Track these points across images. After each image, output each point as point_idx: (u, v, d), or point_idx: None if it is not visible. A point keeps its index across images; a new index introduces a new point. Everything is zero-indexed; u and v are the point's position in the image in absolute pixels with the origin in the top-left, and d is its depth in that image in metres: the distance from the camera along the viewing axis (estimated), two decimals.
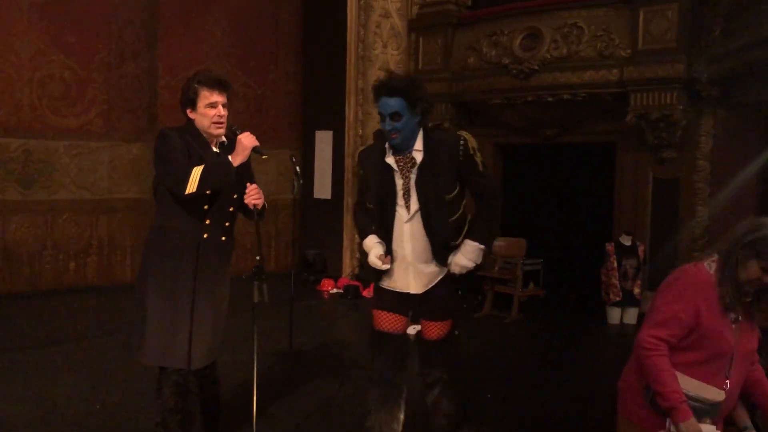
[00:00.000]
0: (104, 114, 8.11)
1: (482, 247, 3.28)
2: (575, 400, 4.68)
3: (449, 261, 3.27)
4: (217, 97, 3.28)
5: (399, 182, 3.25)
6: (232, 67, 9.03)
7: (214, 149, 3.32)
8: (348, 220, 8.88)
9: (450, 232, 3.26)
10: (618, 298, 6.81)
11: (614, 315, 6.88)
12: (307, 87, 9.57)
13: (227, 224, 3.42)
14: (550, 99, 7.39)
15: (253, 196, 3.33)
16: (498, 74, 7.73)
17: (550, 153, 8.39)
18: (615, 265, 6.82)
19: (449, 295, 3.37)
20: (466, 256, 3.25)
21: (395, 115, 3.16)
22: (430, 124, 3.48)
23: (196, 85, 3.28)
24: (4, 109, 7.46)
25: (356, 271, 8.80)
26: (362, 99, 8.77)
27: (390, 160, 3.27)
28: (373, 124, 8.80)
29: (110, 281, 8.13)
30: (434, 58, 8.70)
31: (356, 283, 8.31)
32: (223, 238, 3.38)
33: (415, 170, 3.23)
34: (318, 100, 9.27)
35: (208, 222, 3.31)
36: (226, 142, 3.34)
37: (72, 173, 7.93)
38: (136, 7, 8.22)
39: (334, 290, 8.33)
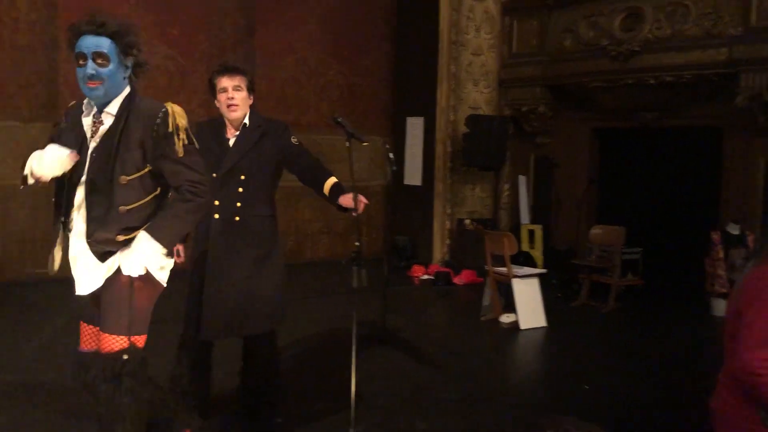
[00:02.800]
0: (205, 103, 8.38)
1: (157, 245, 2.57)
2: (674, 394, 4.50)
3: (119, 259, 2.60)
4: (226, 82, 3.40)
5: (89, 149, 2.62)
6: (326, 56, 9.17)
7: (235, 133, 3.45)
8: (438, 206, 8.87)
9: (114, 225, 2.56)
10: (724, 290, 6.47)
11: (719, 307, 6.55)
12: (398, 73, 9.58)
13: (239, 204, 3.41)
14: (651, 81, 7.09)
15: (359, 207, 3.47)
16: (596, 56, 7.50)
17: (651, 138, 8.06)
18: (721, 255, 6.49)
19: (123, 304, 2.62)
20: (136, 253, 2.56)
21: (100, 57, 2.52)
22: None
23: (212, 76, 3.46)
24: None
25: (447, 257, 8.79)
26: (454, 84, 8.72)
27: (86, 120, 2.65)
28: (465, 109, 8.74)
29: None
30: (529, 41, 8.52)
31: (447, 269, 8.30)
32: (237, 218, 3.40)
33: (96, 138, 2.61)
34: (409, 86, 9.26)
35: (217, 203, 3.38)
36: (248, 124, 3.46)
37: None
38: (235, 0, 8.47)
39: (425, 276, 8.35)
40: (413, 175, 9.20)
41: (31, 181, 2.59)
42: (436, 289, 7.93)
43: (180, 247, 3.39)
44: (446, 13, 8.62)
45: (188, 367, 3.47)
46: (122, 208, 2.57)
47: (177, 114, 2.61)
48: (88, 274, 2.64)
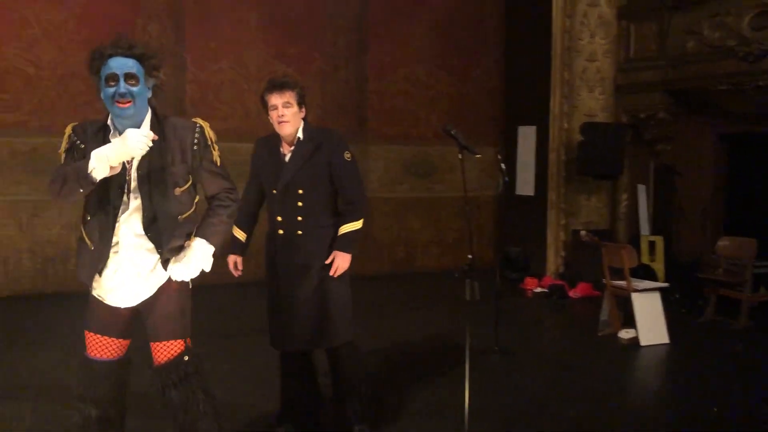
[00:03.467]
0: (319, 119, 8.66)
1: (212, 249, 2.80)
2: None
3: (171, 266, 2.75)
4: (275, 100, 3.42)
5: (125, 171, 2.70)
6: (436, 68, 9.22)
7: (290, 148, 3.48)
8: (552, 217, 8.65)
9: (180, 232, 2.77)
10: None
11: None
12: (509, 82, 9.47)
13: (299, 218, 3.46)
14: None
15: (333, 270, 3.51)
16: (722, 58, 7.08)
17: None
18: None
19: (177, 308, 2.80)
20: (193, 259, 2.75)
21: (131, 77, 2.62)
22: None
23: (263, 93, 3.49)
24: (236, 116, 8.27)
25: (561, 269, 8.56)
26: (568, 91, 8.50)
27: (115, 139, 2.71)
28: (580, 116, 8.49)
29: None
30: (647, 44, 8.17)
31: (561, 282, 8.08)
32: (299, 232, 3.47)
33: (138, 157, 2.68)
34: (521, 95, 9.13)
35: (279, 219, 3.49)
36: (302, 138, 3.46)
37: None
38: (348, 16, 8.71)
39: (538, 289, 8.15)
40: (525, 185, 9.04)
41: (107, 173, 2.58)
42: (550, 302, 7.73)
43: (239, 261, 3.60)
44: (559, 19, 8.43)
45: (287, 376, 3.67)
46: (180, 217, 2.78)
47: (208, 128, 2.85)
48: (136, 286, 2.74)
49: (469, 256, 3.47)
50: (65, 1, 7.46)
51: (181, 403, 2.78)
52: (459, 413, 3.52)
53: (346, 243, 3.51)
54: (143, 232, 2.72)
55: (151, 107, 2.77)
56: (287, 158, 3.49)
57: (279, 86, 3.43)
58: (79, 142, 2.75)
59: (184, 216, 2.79)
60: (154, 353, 2.82)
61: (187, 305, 2.88)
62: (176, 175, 2.75)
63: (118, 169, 2.63)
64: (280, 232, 3.49)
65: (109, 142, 2.66)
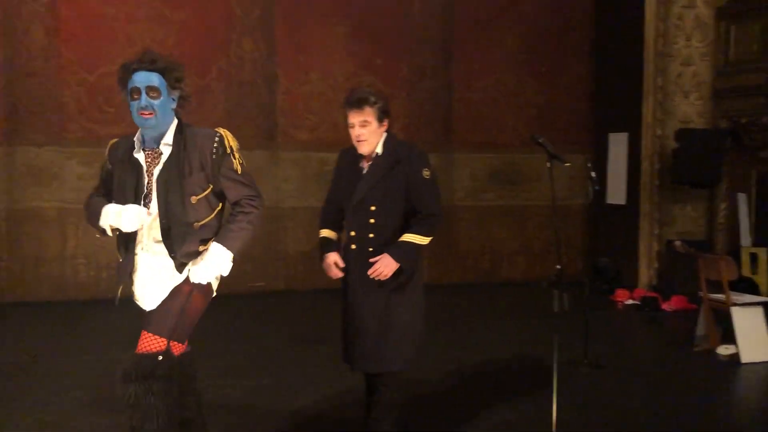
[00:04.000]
0: (405, 128, 8.74)
1: (229, 254, 2.87)
2: None
3: (190, 269, 2.88)
4: (353, 118, 3.33)
5: (145, 180, 2.88)
6: (524, 75, 9.11)
7: (368, 163, 3.37)
8: (644, 227, 8.36)
9: (194, 239, 2.86)
10: None
11: None
12: (599, 89, 9.22)
13: (371, 235, 3.34)
14: None
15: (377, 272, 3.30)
16: None
17: None
18: None
19: (176, 309, 2.86)
20: (210, 263, 2.86)
21: (152, 90, 2.79)
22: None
23: (344, 106, 3.42)
24: (324, 127, 8.46)
25: (654, 281, 8.24)
26: (661, 97, 8.21)
27: (139, 155, 2.90)
28: (674, 123, 8.19)
29: None
30: (749, 47, 7.80)
31: (654, 294, 7.78)
32: (371, 249, 3.33)
33: (159, 166, 2.86)
34: (611, 101, 8.87)
35: (353, 234, 3.41)
36: (381, 153, 3.35)
37: None
38: (434, 25, 8.76)
39: (630, 301, 7.88)
40: (616, 194, 8.77)
41: (110, 233, 2.88)
42: (642, 315, 7.45)
43: (338, 259, 3.42)
44: (652, 23, 8.15)
45: (366, 393, 3.55)
46: (196, 224, 2.85)
47: (229, 137, 2.91)
48: (158, 290, 2.88)
49: (558, 266, 3.40)
50: (165, 20, 7.86)
51: (133, 399, 2.76)
52: (546, 427, 3.45)
53: (401, 252, 3.29)
54: (161, 240, 2.85)
55: (177, 118, 2.92)
56: (364, 173, 3.39)
57: (356, 104, 3.33)
58: (108, 162, 2.99)
59: (201, 223, 2.87)
60: (139, 340, 2.85)
61: (196, 309, 2.89)
62: (193, 183, 2.84)
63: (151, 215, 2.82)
64: (353, 247, 3.40)
65: (134, 159, 2.86)
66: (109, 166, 2.98)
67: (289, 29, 8.28)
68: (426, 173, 3.35)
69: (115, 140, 3.03)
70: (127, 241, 2.89)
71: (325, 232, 3.53)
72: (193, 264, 2.87)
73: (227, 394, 4.52)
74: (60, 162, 7.63)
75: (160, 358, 2.79)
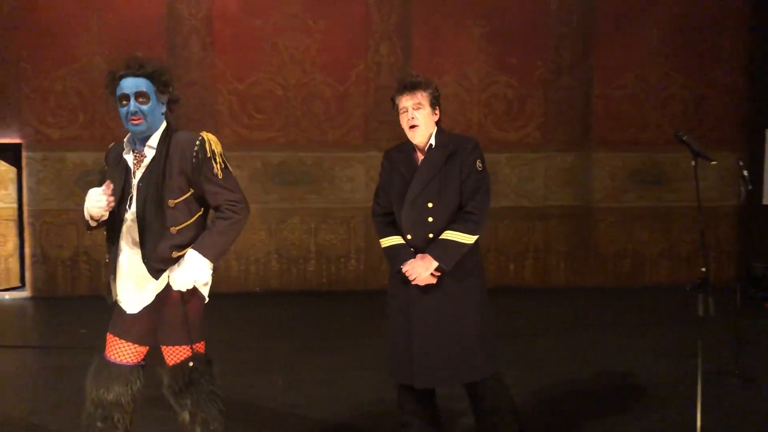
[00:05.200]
0: (541, 126, 8.63)
1: (205, 260, 2.78)
2: None
3: (169, 276, 2.82)
4: (405, 101, 3.15)
5: (132, 182, 2.85)
6: (669, 69, 8.68)
7: (420, 157, 3.18)
8: None
9: (167, 243, 2.79)
10: None
11: None
12: (755, 83, 8.59)
13: (430, 235, 3.08)
14: None
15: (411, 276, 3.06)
16: None
17: None
18: None
19: (178, 316, 2.85)
20: (185, 269, 2.78)
21: (141, 96, 2.79)
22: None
23: (393, 95, 3.23)
24: (458, 128, 8.50)
25: None
26: None
27: (128, 156, 2.90)
28: None
29: (545, 283, 8.60)
30: None
31: None
32: None
33: (141, 169, 2.84)
34: None
35: (409, 237, 3.15)
36: (434, 145, 3.16)
37: (512, 183, 8.63)
38: (572, 22, 8.56)
39: None
40: None
41: (93, 223, 2.90)
42: None
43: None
44: None
45: (411, 414, 3.23)
46: (173, 228, 2.81)
47: (212, 141, 2.86)
48: (138, 294, 2.85)
49: (703, 269, 3.24)
50: (309, 30, 8.28)
51: (190, 407, 2.85)
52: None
53: (441, 251, 3.02)
54: (138, 242, 2.82)
55: (166, 121, 2.92)
56: (417, 167, 3.15)
57: (410, 87, 3.14)
58: (105, 163, 3.02)
59: (178, 228, 2.83)
60: (164, 356, 2.91)
61: (193, 313, 2.90)
62: (172, 186, 2.81)
63: (105, 215, 2.85)
64: (412, 250, 3.11)
65: (124, 160, 2.89)
66: (106, 168, 3.01)
67: (425, 33, 8.43)
68: (479, 165, 3.12)
69: (114, 143, 3.04)
70: (112, 237, 2.89)
71: (394, 239, 3.19)
72: (170, 271, 2.83)
73: (362, 385, 4.70)
74: None
75: (191, 364, 2.86)
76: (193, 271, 2.79)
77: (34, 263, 8.08)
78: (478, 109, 8.57)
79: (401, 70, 8.36)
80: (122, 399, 2.90)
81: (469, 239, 3.03)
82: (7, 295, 8.10)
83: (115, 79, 2.82)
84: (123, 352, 2.92)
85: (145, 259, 2.80)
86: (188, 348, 2.87)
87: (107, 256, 2.94)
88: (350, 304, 7.60)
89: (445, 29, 8.45)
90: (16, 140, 8.00)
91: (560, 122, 8.60)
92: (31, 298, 8.02)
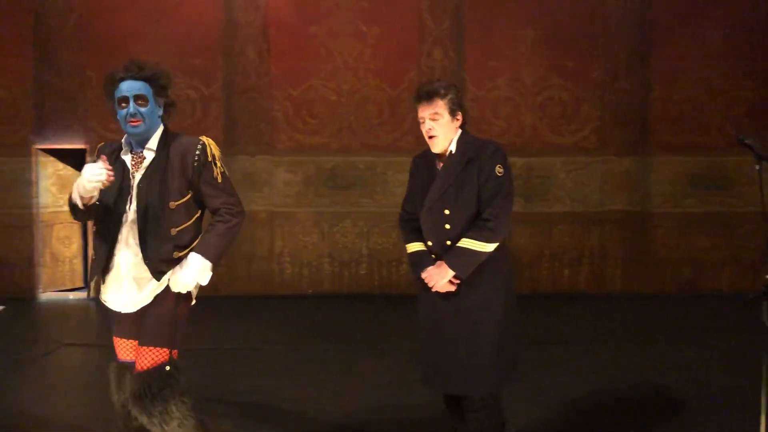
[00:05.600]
0: (597, 130, 8.48)
1: (207, 263, 2.86)
2: None
3: (170, 277, 2.86)
4: (423, 111, 3.10)
5: (130, 182, 2.90)
6: (733, 71, 8.40)
7: (440, 165, 3.15)
8: None
9: (169, 244, 2.85)
10: None
11: None
12: None
13: (448, 242, 3.05)
14: None
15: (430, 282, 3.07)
16: None
17: None
18: None
19: (168, 318, 2.88)
20: (188, 271, 2.84)
21: (140, 98, 2.83)
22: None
23: (414, 103, 3.17)
24: (512, 131, 8.45)
25: None
26: None
27: (126, 157, 2.94)
28: None
29: (601, 289, 8.43)
30: None
31: None
32: None
33: (141, 170, 2.89)
34: None
35: (430, 244, 3.15)
36: (454, 152, 3.10)
37: (567, 187, 8.51)
38: (629, 24, 8.38)
39: None
40: None
41: (81, 206, 2.83)
42: None
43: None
44: None
45: (459, 419, 3.25)
46: (173, 230, 2.86)
47: (212, 145, 2.91)
48: (137, 294, 2.86)
49: (767, 276, 3.13)
50: (362, 35, 8.35)
51: (158, 414, 2.78)
52: None
53: (455, 259, 2.97)
54: (137, 243, 2.84)
55: (163, 124, 2.96)
56: (437, 174, 3.13)
57: (426, 96, 3.07)
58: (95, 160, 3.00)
59: (178, 229, 2.87)
60: (137, 358, 2.86)
61: (182, 317, 2.94)
62: (173, 188, 2.85)
63: (94, 199, 2.82)
64: (433, 256, 3.12)
65: (122, 160, 2.91)
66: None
67: (479, 36, 8.40)
68: (499, 170, 3.02)
69: (102, 143, 3.08)
70: (106, 237, 2.89)
71: (416, 245, 3.21)
72: (171, 272, 2.87)
73: (418, 390, 4.71)
74: (270, 169, 8.40)
75: (168, 368, 2.85)
76: (196, 273, 2.85)
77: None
78: (532, 113, 8.48)
79: (454, 74, 8.35)
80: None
81: (484, 247, 2.97)
82: (71, 295, 8.41)
83: (113, 82, 2.87)
84: (129, 349, 2.97)
85: (147, 260, 2.84)
86: (167, 351, 2.87)
87: (94, 253, 2.96)
88: (402, 308, 7.61)
89: (499, 33, 8.40)
90: (81, 145, 8.31)
91: (617, 126, 8.43)
92: (93, 299, 8.31)
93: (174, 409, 2.82)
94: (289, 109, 8.40)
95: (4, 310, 7.54)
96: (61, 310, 7.51)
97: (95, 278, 2.93)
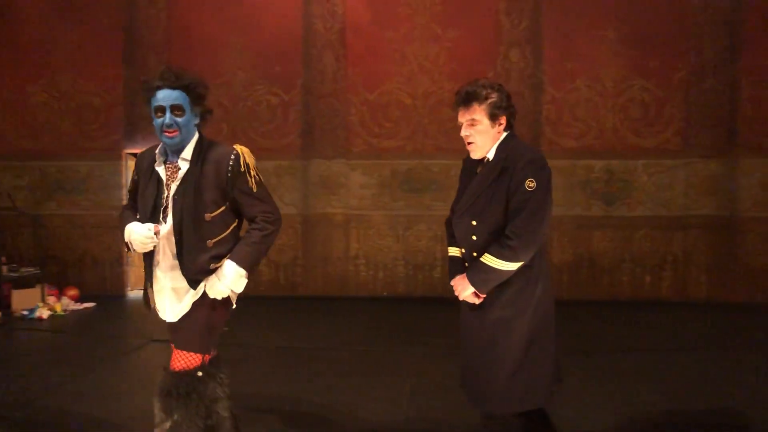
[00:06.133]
0: (681, 131, 8.18)
1: (242, 271, 2.87)
2: None
3: (205, 285, 2.88)
4: (460, 117, 2.96)
5: (165, 194, 2.89)
6: None
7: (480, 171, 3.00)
8: None
9: (205, 255, 2.86)
10: None
11: None
12: None
13: (475, 254, 2.91)
14: None
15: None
16: None
17: None
18: None
19: (202, 323, 2.92)
20: (223, 279, 2.86)
21: (177, 108, 2.80)
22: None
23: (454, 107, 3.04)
24: (591, 134, 8.26)
25: None
26: None
27: (160, 168, 2.91)
28: None
29: (684, 297, 8.12)
30: None
31: None
32: None
33: (177, 181, 2.87)
34: None
35: (463, 251, 3.03)
36: (490, 160, 2.94)
37: (649, 190, 8.24)
38: (717, 21, 8.06)
39: None
40: None
41: (133, 252, 2.96)
42: None
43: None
44: None
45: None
46: (209, 241, 2.85)
47: (246, 154, 2.88)
48: (177, 304, 2.91)
49: None
50: (439, 38, 8.37)
51: (177, 418, 2.83)
52: None
53: (475, 274, 2.85)
54: (175, 255, 2.87)
55: (198, 132, 2.94)
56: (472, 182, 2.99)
57: (464, 100, 2.91)
58: (135, 172, 3.05)
59: (215, 240, 2.87)
60: (172, 358, 2.94)
61: (218, 323, 2.97)
62: (208, 200, 2.83)
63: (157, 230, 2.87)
64: (464, 264, 3.04)
65: (155, 172, 2.91)
66: (136, 177, 3.04)
67: (558, 37, 8.26)
68: (530, 185, 2.77)
69: (142, 151, 3.07)
70: (149, 252, 2.95)
71: (453, 250, 3.13)
72: (207, 280, 2.88)
73: None
74: (346, 172, 8.53)
75: (200, 374, 2.90)
76: (230, 281, 2.86)
77: None
78: (613, 115, 8.26)
79: (531, 76, 8.25)
80: (194, 402, 2.94)
81: (504, 265, 2.79)
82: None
83: (150, 90, 2.84)
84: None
85: (185, 271, 2.86)
86: (200, 357, 2.94)
87: (144, 265, 3.03)
88: None
89: (578, 33, 8.24)
90: None
91: (703, 127, 8.11)
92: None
93: (194, 414, 2.87)
94: (365, 113, 8.51)
95: (94, 307, 7.97)
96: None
97: (147, 289, 3.02)
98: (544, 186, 2.80)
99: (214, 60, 8.58)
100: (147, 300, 3.05)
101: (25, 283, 7.71)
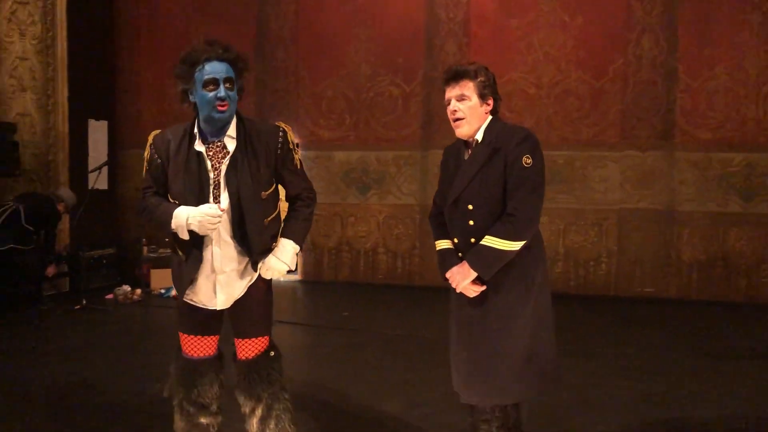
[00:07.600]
0: (758, 121, 7.50)
1: (297, 248, 2.85)
2: None
3: (260, 266, 2.80)
4: (448, 93, 2.88)
5: (211, 174, 2.72)
6: None
7: (468, 152, 2.91)
8: None
9: (266, 235, 2.80)
10: None
11: None
12: None
13: (472, 240, 2.81)
14: None
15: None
16: None
17: None
18: None
19: (264, 306, 2.91)
20: (281, 257, 2.82)
21: (229, 81, 2.66)
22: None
23: (443, 86, 2.92)
24: (729, 125, 7.73)
25: None
26: None
27: (200, 147, 2.72)
28: None
29: None
30: None
31: None
32: None
33: (227, 160, 2.71)
34: None
35: (456, 241, 2.95)
36: (480, 140, 2.86)
37: None
38: None
39: None
40: None
41: (185, 236, 2.71)
42: None
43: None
44: None
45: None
46: (266, 220, 2.78)
47: (290, 132, 2.85)
48: (230, 288, 2.79)
49: None
50: (566, 26, 8.12)
51: (267, 398, 2.87)
52: None
53: (477, 259, 2.75)
54: (232, 236, 2.73)
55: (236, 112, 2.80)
56: (462, 166, 2.90)
57: (453, 76, 2.84)
58: (156, 156, 2.77)
59: (269, 218, 2.80)
60: (239, 348, 2.89)
61: (272, 303, 2.97)
62: (262, 179, 2.75)
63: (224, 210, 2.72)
64: (459, 255, 2.92)
65: (195, 151, 2.69)
66: (159, 161, 2.78)
67: (693, 23, 7.77)
68: (527, 161, 2.76)
69: (157, 132, 2.83)
70: (194, 235, 2.71)
71: (443, 243, 3.02)
72: (263, 261, 2.80)
73: (617, 394, 4.53)
74: None
75: (272, 353, 2.94)
76: (288, 259, 2.84)
77: (305, 250, 9.03)
78: (756, 105, 7.69)
79: (665, 64, 7.83)
80: (214, 390, 2.95)
81: (507, 245, 2.72)
82: (282, 278, 9.17)
83: (196, 63, 2.64)
84: (202, 346, 2.92)
85: (250, 253, 2.75)
86: (268, 338, 2.94)
87: (182, 254, 2.81)
88: (599, 310, 7.32)
89: (717, 18, 7.71)
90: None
91: None
92: (302, 281, 8.98)
93: (281, 392, 2.93)
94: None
95: None
96: (273, 290, 8.30)
97: (190, 279, 2.79)
98: (540, 162, 2.82)
99: (339, 53, 8.79)
100: (183, 291, 2.83)
101: (163, 264, 8.24)
